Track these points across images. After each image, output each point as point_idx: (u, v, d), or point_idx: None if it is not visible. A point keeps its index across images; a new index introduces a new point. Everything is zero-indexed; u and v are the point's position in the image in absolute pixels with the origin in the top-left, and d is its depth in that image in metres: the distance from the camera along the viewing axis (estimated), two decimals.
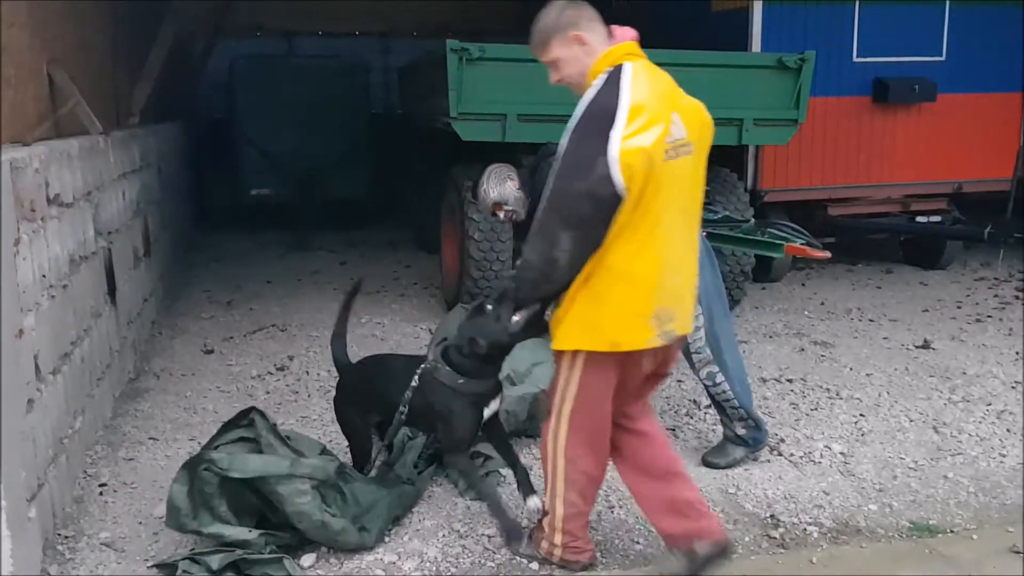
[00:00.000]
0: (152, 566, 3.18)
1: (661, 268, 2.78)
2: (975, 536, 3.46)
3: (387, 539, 3.36)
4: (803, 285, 7.91)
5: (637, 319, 2.77)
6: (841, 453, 4.16)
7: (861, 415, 4.67)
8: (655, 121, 2.64)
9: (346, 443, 3.88)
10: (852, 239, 8.43)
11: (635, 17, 8.40)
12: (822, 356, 5.72)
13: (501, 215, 3.95)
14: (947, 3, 7.83)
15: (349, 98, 11.09)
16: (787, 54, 6.40)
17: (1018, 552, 3.31)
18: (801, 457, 4.13)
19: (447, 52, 5.75)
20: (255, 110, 10.83)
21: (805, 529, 3.48)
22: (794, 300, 7.34)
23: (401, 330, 6.40)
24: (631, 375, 2.94)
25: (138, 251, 5.92)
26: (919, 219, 8.06)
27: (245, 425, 3.40)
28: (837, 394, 4.99)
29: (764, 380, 5.20)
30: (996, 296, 7.44)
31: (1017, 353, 5.73)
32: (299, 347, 5.92)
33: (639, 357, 2.88)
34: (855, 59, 7.71)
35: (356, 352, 5.89)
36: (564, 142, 2.72)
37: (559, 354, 2.93)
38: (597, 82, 2.73)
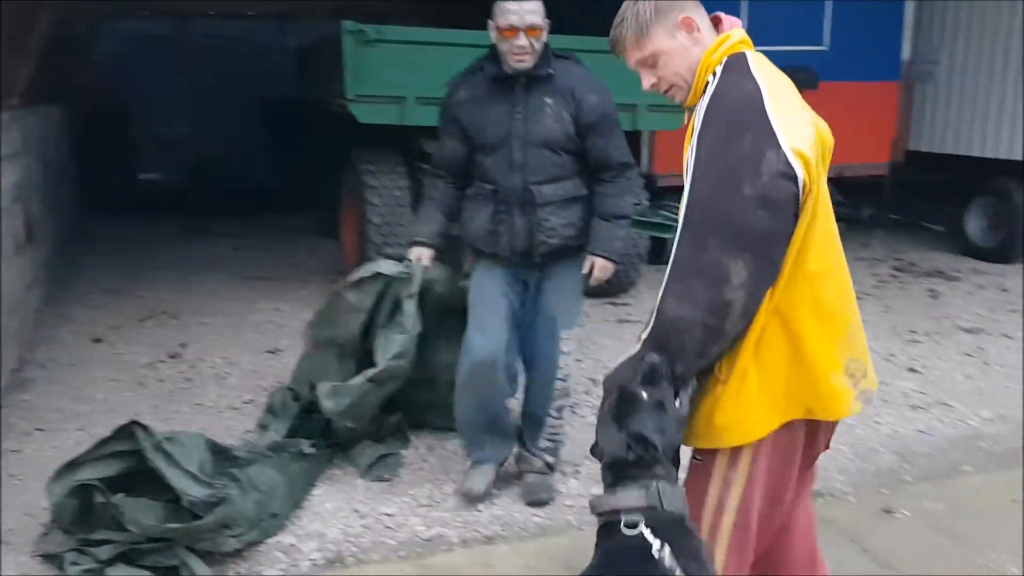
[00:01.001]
0: (37, 555, 3.09)
1: (848, 306, 2.06)
2: (852, 499, 3.68)
3: (287, 522, 3.35)
4: None
5: (834, 375, 1.99)
6: None
7: None
8: (804, 112, 2.03)
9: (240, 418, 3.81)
10: None
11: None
12: None
13: (523, 40, 3.26)
14: None
15: (244, 81, 10.87)
16: None
17: (889, 512, 3.54)
18: None
19: (343, 33, 5.70)
20: (145, 94, 10.51)
21: None
22: None
23: (300, 316, 6.28)
24: (807, 458, 2.12)
25: (19, 238, 5.67)
26: None
27: (124, 438, 3.20)
28: None
29: None
30: (875, 275, 7.83)
31: (893, 328, 6.07)
32: (191, 334, 5.79)
33: (820, 431, 2.10)
34: None
35: (250, 339, 5.86)
36: (690, 154, 1.99)
37: (707, 453, 2.05)
38: (716, 73, 2.02)
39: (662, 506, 1.82)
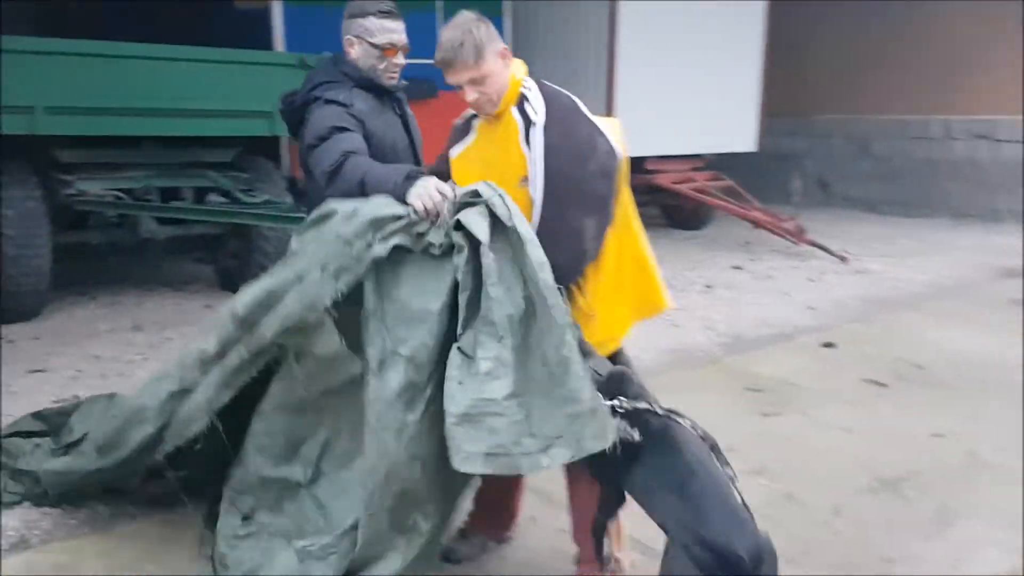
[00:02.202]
0: None
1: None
2: None
3: None
4: None
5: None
6: None
7: None
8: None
9: None
10: None
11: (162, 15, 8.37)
12: None
13: (401, 59, 3.18)
14: (438, 8, 8.80)
15: None
16: (309, 54, 7.02)
17: None
18: None
19: None
20: None
21: None
22: None
23: None
24: None
25: None
26: None
27: None
28: None
29: None
30: None
31: None
32: None
33: None
34: None
35: None
36: (538, 143, 2.65)
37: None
38: (530, 87, 2.78)
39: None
